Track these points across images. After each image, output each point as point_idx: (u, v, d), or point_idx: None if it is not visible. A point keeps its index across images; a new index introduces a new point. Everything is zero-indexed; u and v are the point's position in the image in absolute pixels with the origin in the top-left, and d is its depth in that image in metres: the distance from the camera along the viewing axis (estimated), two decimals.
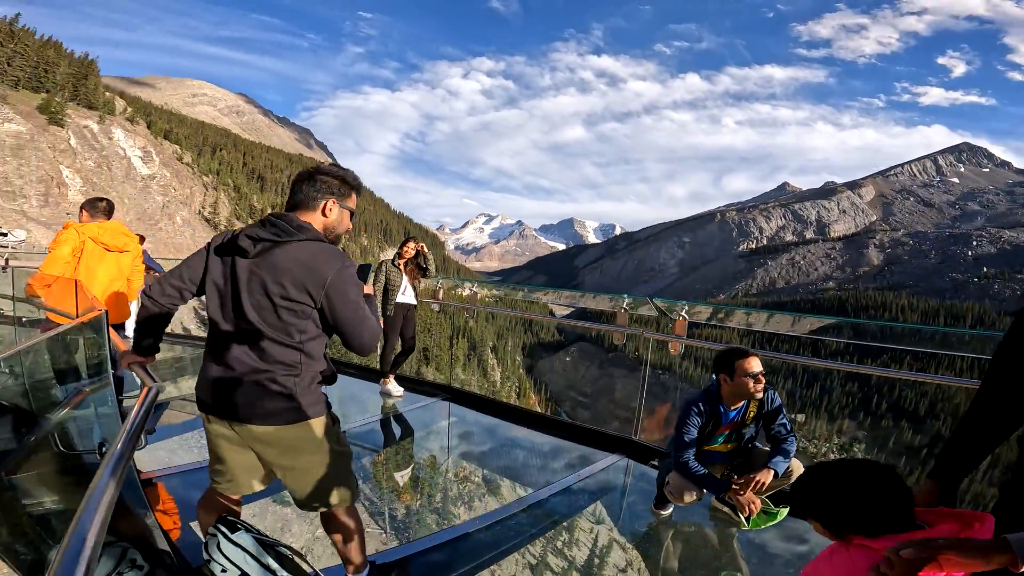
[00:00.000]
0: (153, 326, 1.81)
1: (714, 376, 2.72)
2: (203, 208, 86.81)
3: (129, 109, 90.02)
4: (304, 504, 1.77)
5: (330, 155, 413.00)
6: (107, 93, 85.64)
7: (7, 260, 10.28)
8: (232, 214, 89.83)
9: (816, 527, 1.19)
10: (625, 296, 3.85)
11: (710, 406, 2.66)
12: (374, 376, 5.58)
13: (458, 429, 4.69)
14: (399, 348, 5.26)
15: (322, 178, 1.71)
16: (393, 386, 5.22)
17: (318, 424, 1.71)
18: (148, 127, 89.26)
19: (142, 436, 1.53)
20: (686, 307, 3.47)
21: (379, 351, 5.31)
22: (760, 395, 2.60)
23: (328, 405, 1.78)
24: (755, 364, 2.57)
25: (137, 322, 1.84)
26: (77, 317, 2.93)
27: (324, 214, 1.71)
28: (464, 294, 5.61)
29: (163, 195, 78.53)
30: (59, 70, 74.71)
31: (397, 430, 4.70)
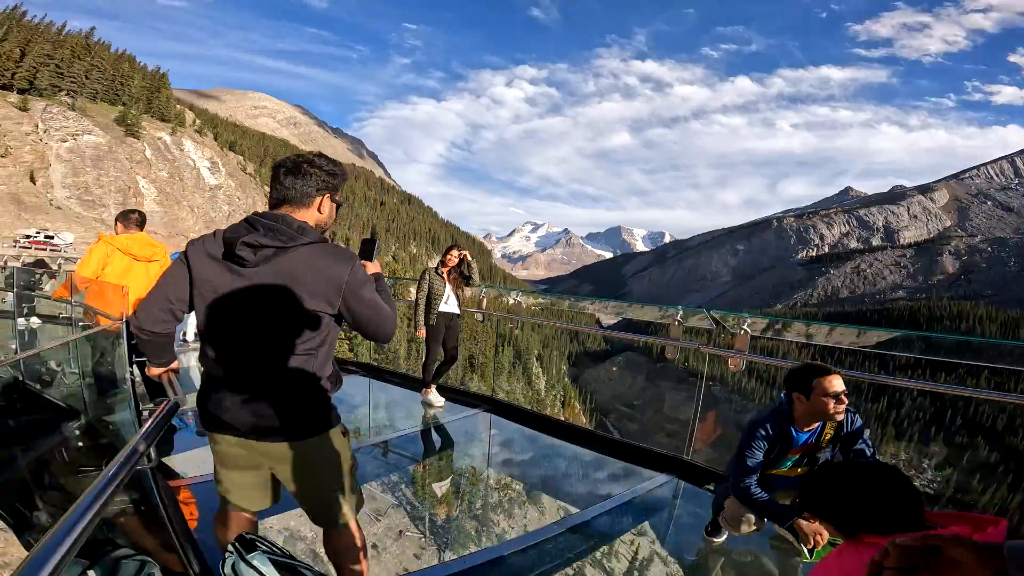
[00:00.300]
0: (158, 350, 1.72)
1: (783, 394, 2.46)
2: None
3: (198, 121, 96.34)
4: (318, 519, 1.71)
5: (380, 164, 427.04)
6: (178, 106, 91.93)
7: (59, 264, 10.98)
8: None
9: (828, 528, 1.24)
10: (679, 307, 3.60)
11: (779, 428, 2.40)
12: (416, 385, 5.54)
13: (499, 441, 4.56)
14: (441, 358, 5.20)
15: (314, 171, 1.58)
16: (435, 396, 5.14)
17: (335, 436, 1.65)
18: (215, 139, 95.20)
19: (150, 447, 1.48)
20: (748, 319, 3.18)
21: (422, 361, 5.27)
22: (841, 417, 2.33)
23: (336, 413, 1.70)
24: (837, 383, 2.29)
25: (141, 351, 1.77)
26: (119, 320, 3.02)
27: (319, 210, 1.61)
28: (509, 303, 5.48)
29: (228, 204, 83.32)
30: (133, 83, 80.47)
31: (437, 441, 4.63)
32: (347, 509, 1.70)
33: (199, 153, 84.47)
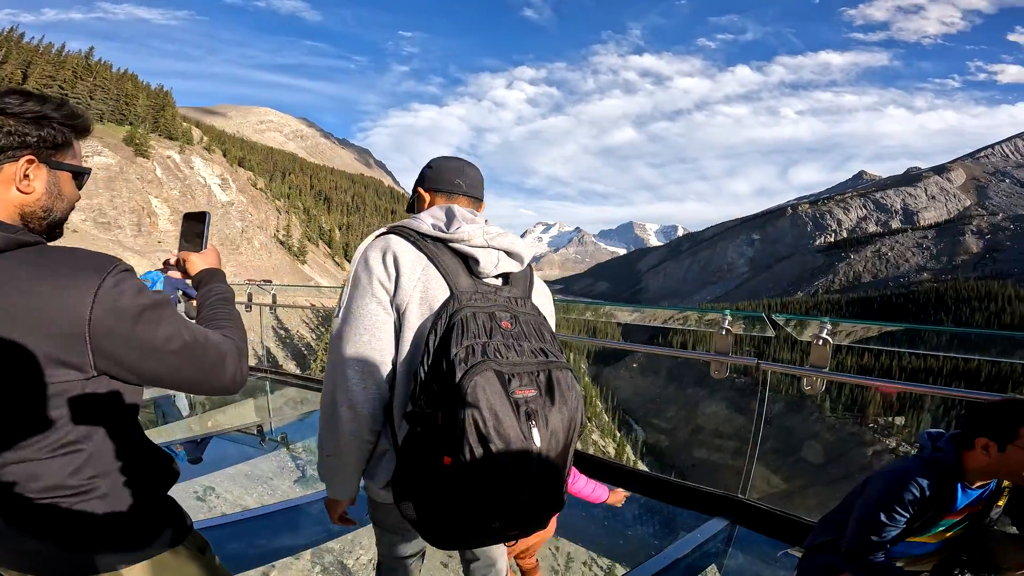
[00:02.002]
0: None
1: (928, 434, 1.78)
2: (278, 231, 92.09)
3: (205, 138, 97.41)
4: None
5: (389, 173, 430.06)
6: (184, 123, 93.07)
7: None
8: (303, 235, 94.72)
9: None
10: (726, 312, 2.88)
11: (939, 485, 1.70)
12: None
13: None
14: None
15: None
16: None
17: (154, 569, 1.00)
18: (224, 155, 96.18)
19: None
20: (827, 324, 2.43)
21: None
22: None
23: (178, 524, 1.07)
24: None
25: None
26: None
27: (20, 187, 0.92)
28: None
29: (241, 220, 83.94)
30: (138, 102, 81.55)
31: None
32: None
33: (209, 170, 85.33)
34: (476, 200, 1.44)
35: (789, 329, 2.61)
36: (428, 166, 1.46)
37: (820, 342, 2.38)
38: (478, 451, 0.99)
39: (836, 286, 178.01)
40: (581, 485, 2.40)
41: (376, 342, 1.17)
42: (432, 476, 1.06)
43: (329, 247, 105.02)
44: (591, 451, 60.72)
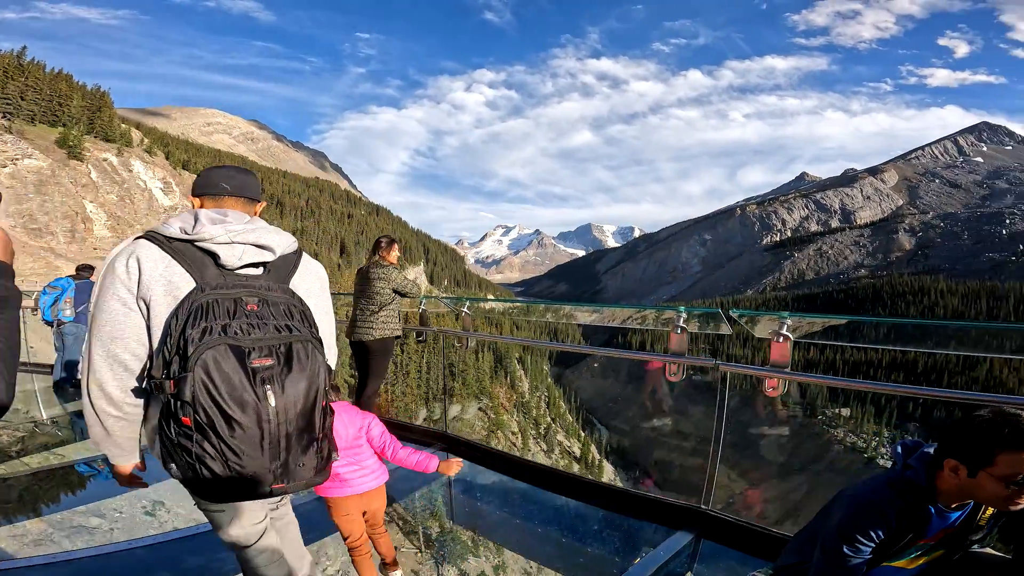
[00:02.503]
0: None
1: (901, 445, 1.60)
2: None
3: (146, 140, 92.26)
4: None
5: (345, 176, 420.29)
6: (123, 125, 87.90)
7: None
8: None
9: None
10: (681, 309, 2.69)
11: (912, 509, 1.51)
12: None
13: (458, 494, 3.59)
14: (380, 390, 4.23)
15: None
16: None
17: None
18: (167, 158, 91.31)
19: None
20: (787, 319, 2.25)
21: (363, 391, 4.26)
22: (1021, 507, 1.42)
23: None
24: None
25: None
26: None
27: None
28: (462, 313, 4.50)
29: None
30: (73, 103, 76.42)
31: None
32: None
33: (150, 173, 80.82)
34: (249, 200, 1.62)
35: (745, 325, 2.43)
36: (198, 175, 1.67)
37: (780, 339, 2.20)
38: (212, 411, 1.23)
39: (782, 283, 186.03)
40: (403, 455, 2.41)
41: (118, 332, 1.34)
42: (180, 436, 1.26)
43: None
44: (556, 451, 60.88)
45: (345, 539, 2.45)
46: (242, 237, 1.41)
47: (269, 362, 1.29)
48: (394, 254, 4.42)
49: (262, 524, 1.66)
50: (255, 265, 1.45)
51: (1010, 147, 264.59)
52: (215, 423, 1.23)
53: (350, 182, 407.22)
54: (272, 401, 1.27)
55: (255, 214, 1.62)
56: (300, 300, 1.47)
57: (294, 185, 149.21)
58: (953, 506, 1.53)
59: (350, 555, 2.47)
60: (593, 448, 66.40)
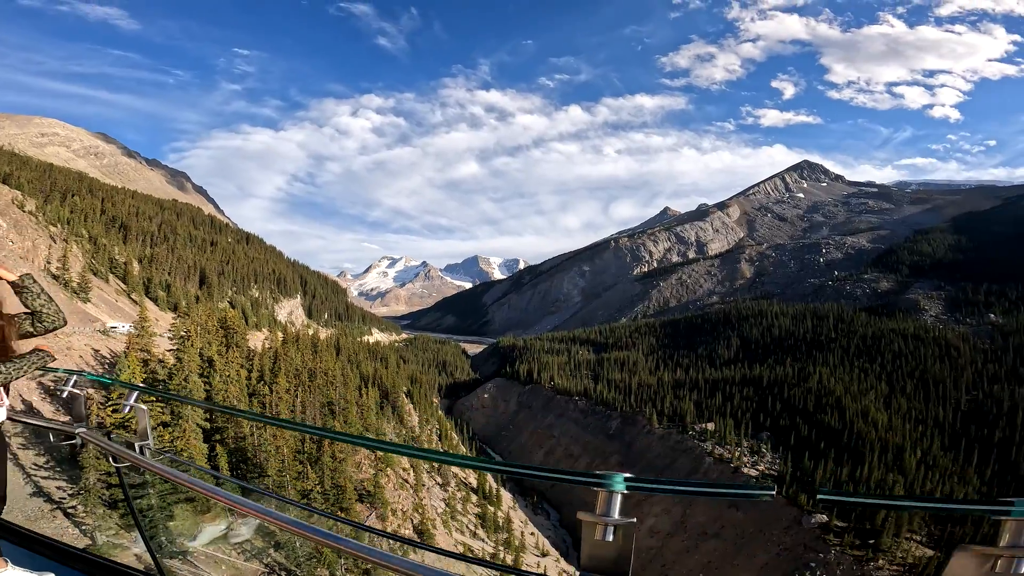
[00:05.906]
0: None
1: None
2: (50, 263, 74.33)
3: None
4: None
5: (211, 200, 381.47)
6: None
7: None
8: (87, 268, 77.77)
9: None
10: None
11: None
12: None
13: None
14: None
15: None
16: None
17: None
18: None
19: None
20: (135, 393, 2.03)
21: None
22: None
23: None
24: None
25: None
26: None
27: None
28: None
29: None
30: None
31: None
32: None
33: None
34: None
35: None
36: None
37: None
38: None
39: (651, 311, 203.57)
40: None
41: None
42: None
43: (124, 283, 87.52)
44: (452, 484, 58.84)
45: None
46: None
47: None
48: None
49: None
50: None
51: (825, 183, 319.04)
52: None
53: (216, 206, 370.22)
54: None
55: None
56: None
57: (145, 206, 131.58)
58: None
59: None
60: (490, 478, 65.53)
